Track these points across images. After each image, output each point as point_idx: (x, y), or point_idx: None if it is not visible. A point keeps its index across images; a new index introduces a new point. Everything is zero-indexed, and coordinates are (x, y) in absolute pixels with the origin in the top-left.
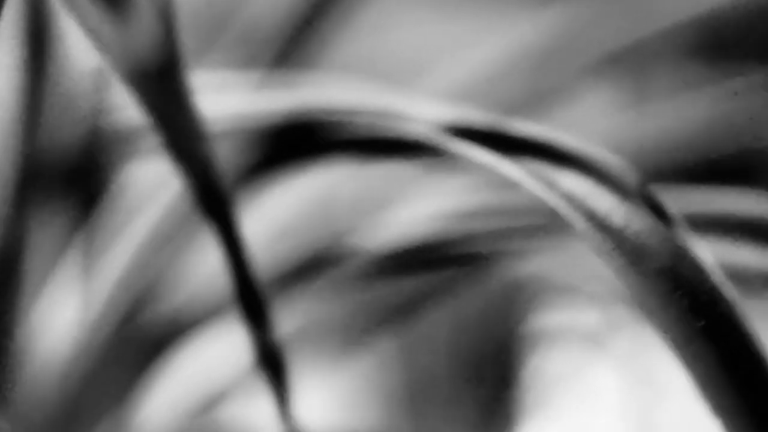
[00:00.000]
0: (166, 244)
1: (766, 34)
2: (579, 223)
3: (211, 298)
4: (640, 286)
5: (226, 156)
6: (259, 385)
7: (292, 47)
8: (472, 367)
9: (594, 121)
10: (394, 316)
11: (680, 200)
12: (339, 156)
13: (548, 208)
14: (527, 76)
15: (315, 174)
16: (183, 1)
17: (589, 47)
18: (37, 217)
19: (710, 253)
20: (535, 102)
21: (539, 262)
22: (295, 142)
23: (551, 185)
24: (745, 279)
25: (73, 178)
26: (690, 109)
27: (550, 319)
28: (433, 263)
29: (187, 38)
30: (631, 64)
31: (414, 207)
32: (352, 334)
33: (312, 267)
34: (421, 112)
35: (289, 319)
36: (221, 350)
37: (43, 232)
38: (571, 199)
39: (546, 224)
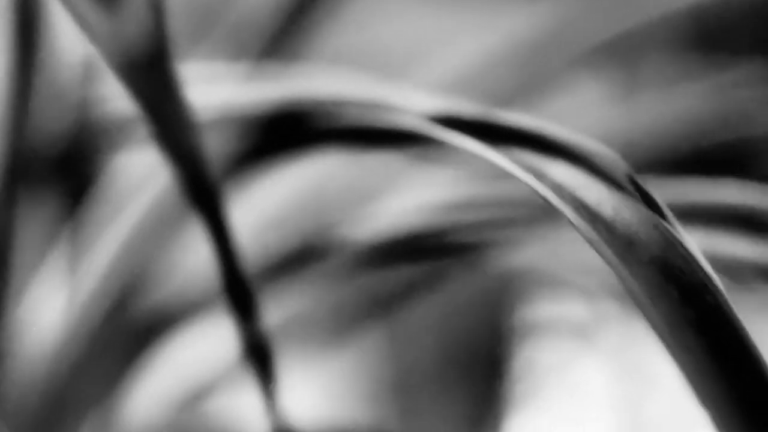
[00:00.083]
0: (154, 235)
1: (756, 25)
2: (569, 213)
3: (200, 290)
4: (629, 276)
5: (215, 146)
6: (247, 377)
7: (281, 39)
8: (461, 360)
9: (585, 113)
10: (383, 307)
11: (670, 191)
12: (328, 146)
13: (538, 198)
14: (518, 67)
15: (304, 165)
16: None
17: (579, 39)
18: (25, 208)
19: (699, 244)
20: (526, 94)
21: (529, 254)
22: (284, 132)
23: (541, 175)
24: (734, 270)
25: (62, 169)
26: (680, 101)
27: (540, 311)
28: (421, 254)
29: (178, 30)
30: (622, 55)
31: (403, 198)
32: (340, 326)
33: (300, 258)
34: (410, 103)
35: (277, 310)
36: (209, 342)
37: (31, 223)
38: (560, 190)
39: (535, 215)
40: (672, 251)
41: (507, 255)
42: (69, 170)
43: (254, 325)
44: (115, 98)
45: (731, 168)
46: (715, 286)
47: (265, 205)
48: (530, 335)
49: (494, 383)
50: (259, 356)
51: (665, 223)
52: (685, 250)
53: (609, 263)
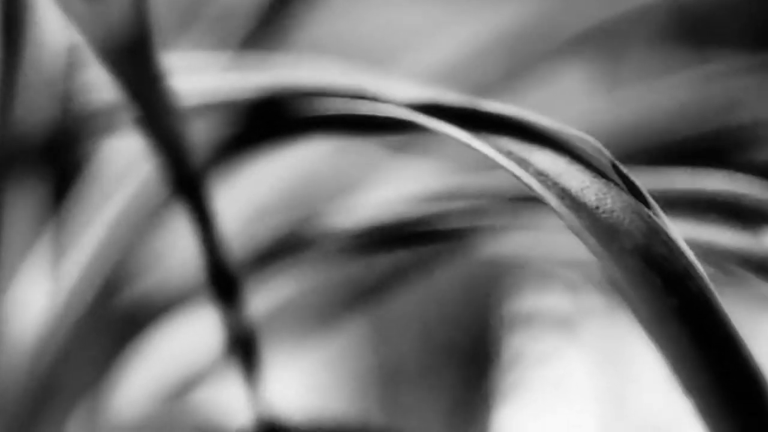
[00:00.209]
0: (139, 223)
1: (738, 16)
2: (552, 201)
3: (186, 280)
4: (612, 264)
5: (199, 134)
6: (232, 368)
7: (265, 28)
8: (445, 350)
9: (569, 103)
10: (367, 296)
11: (653, 180)
12: (312, 134)
13: (521, 189)
14: (503, 57)
15: (287, 155)
16: None
17: (563, 29)
18: (10, 197)
19: (683, 233)
20: (510, 83)
21: (513, 246)
22: (268, 120)
23: (524, 163)
24: (718, 259)
25: (47, 157)
26: (663, 92)
27: (525, 303)
28: (405, 241)
29: (162, 20)
30: (605, 46)
31: (386, 188)
32: (325, 315)
33: (284, 247)
34: (394, 91)
35: (261, 300)
36: (195, 332)
37: (17, 211)
38: (544, 177)
39: (518, 205)
40: (655, 239)
41: (491, 244)
42: (54, 158)
43: (238, 315)
44: (100, 86)
45: (714, 158)
46: (698, 274)
47: (250, 195)
48: (515, 326)
49: (478, 374)
50: (243, 347)
51: (649, 211)
52: (669, 238)
53: (592, 251)
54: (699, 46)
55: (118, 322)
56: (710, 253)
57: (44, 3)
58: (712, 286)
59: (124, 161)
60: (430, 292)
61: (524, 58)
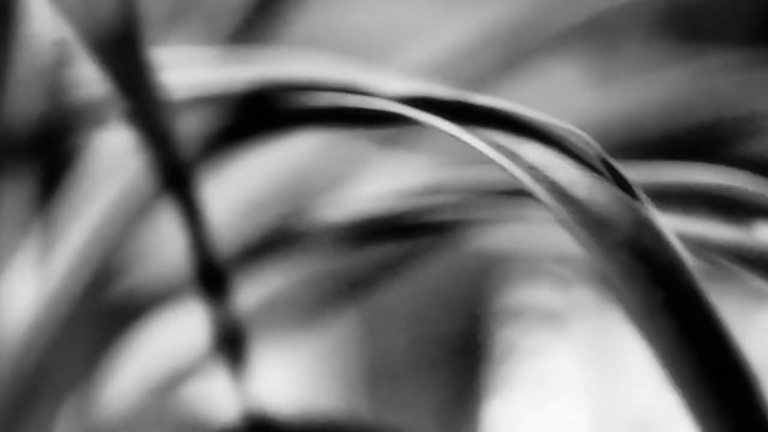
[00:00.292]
0: (128, 217)
1: (731, 12)
2: (542, 194)
3: (176, 274)
4: (602, 257)
5: (187, 128)
6: (219, 362)
7: (256, 23)
8: (435, 344)
9: (561, 97)
10: (356, 290)
11: (644, 174)
12: (302, 127)
13: (510, 183)
14: (495, 51)
15: (276, 149)
16: None
17: (556, 22)
18: None
19: (673, 226)
20: (503, 78)
21: (504, 240)
22: (257, 113)
23: (514, 156)
24: (708, 252)
25: (36, 151)
26: (656, 87)
27: (515, 297)
28: (394, 234)
29: (152, 13)
30: (599, 41)
31: (375, 183)
32: (314, 309)
33: (274, 240)
34: (384, 85)
35: (250, 294)
36: (185, 327)
37: (6, 205)
38: (533, 171)
39: (508, 200)
40: (644, 232)
41: (480, 238)
42: (43, 152)
43: (226, 310)
44: (90, 80)
45: (706, 152)
46: (687, 268)
47: (239, 189)
48: (506, 321)
49: (469, 368)
50: (230, 342)
51: (638, 205)
52: (658, 231)
53: (582, 244)
54: (692, 41)
55: (106, 316)
56: (701, 247)
57: None
58: (701, 279)
59: (114, 155)
60: (421, 286)
61: (517, 51)
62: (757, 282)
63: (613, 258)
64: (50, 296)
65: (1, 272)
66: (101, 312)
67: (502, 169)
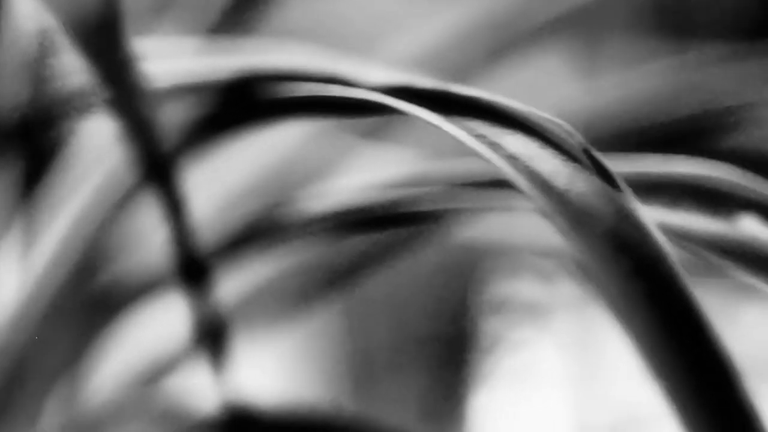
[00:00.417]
0: (112, 208)
1: (717, 7)
2: (523, 184)
3: (161, 265)
4: (582, 248)
5: (172, 118)
6: (201, 355)
7: (240, 13)
8: (419, 337)
9: (546, 89)
10: (340, 281)
11: (627, 166)
12: (284, 116)
13: (492, 175)
14: (480, 43)
15: (261, 140)
16: None
17: (540, 14)
18: None
19: (655, 218)
20: (488, 69)
21: (488, 232)
22: (241, 103)
23: (495, 146)
24: (691, 244)
25: (20, 141)
26: (640, 79)
27: (499, 290)
28: (378, 224)
29: (135, 4)
30: (584, 34)
31: (357, 175)
32: (297, 301)
33: (257, 232)
34: (366, 75)
35: (232, 285)
36: (169, 318)
37: None
38: (515, 161)
39: (491, 188)
40: (626, 223)
41: (464, 230)
42: (27, 142)
43: (207, 302)
44: (74, 70)
45: (690, 144)
46: (668, 259)
47: (222, 180)
48: (490, 314)
49: (453, 361)
50: (211, 334)
51: (620, 196)
52: (639, 222)
53: (563, 235)
54: (675, 34)
55: (90, 307)
56: (683, 239)
57: None
58: (682, 271)
59: (98, 145)
60: (404, 278)
61: (501, 43)
62: (739, 274)
63: (594, 249)
64: (33, 286)
65: None
66: (85, 303)
67: (484, 159)
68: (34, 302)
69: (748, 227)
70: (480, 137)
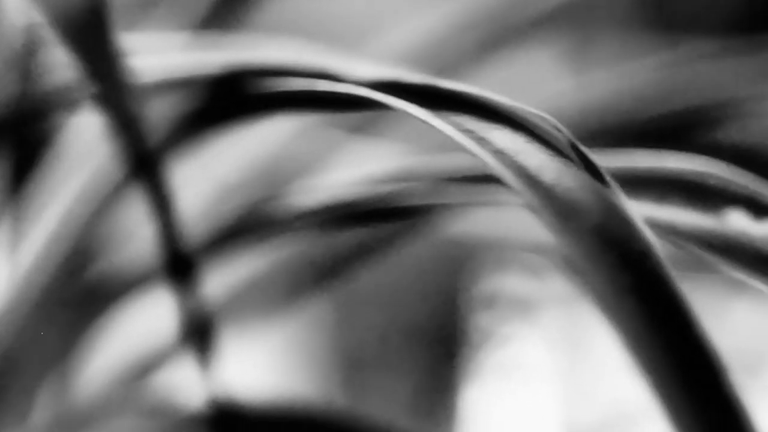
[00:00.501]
0: (100, 202)
1: (707, 3)
2: (510, 179)
3: (150, 259)
4: (569, 242)
5: (161, 113)
6: (188, 350)
7: (229, 8)
8: (409, 332)
9: (536, 84)
10: (329, 276)
11: (615, 160)
12: (272, 111)
13: (480, 168)
14: (471, 38)
15: (250, 135)
16: None
17: (531, 9)
18: None
19: (644, 213)
20: (478, 64)
21: (478, 228)
22: (229, 98)
23: (482, 141)
24: (679, 239)
25: (8, 136)
26: (630, 75)
27: (489, 285)
28: (366, 219)
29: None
30: (574, 29)
31: (348, 168)
32: (287, 295)
33: (246, 226)
34: (354, 70)
35: (222, 280)
36: (158, 313)
37: None
38: (502, 155)
39: (478, 183)
40: (612, 218)
41: (455, 226)
42: (15, 137)
43: (193, 298)
44: (61, 65)
45: (679, 139)
46: (655, 254)
47: (211, 175)
48: (480, 308)
49: (443, 356)
50: (198, 330)
51: (607, 191)
52: (626, 217)
53: (550, 230)
54: (666, 29)
55: (78, 301)
56: (671, 234)
57: None
58: (669, 265)
59: (86, 140)
60: (394, 274)
61: (492, 38)
62: (727, 269)
63: (581, 244)
64: (22, 281)
65: None
66: (73, 298)
67: (471, 153)
68: (23, 297)
69: (736, 222)
70: (467, 132)
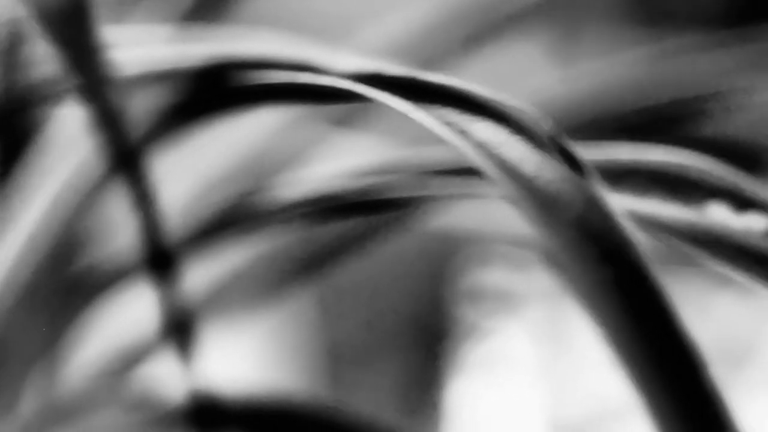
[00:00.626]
0: (85, 195)
1: None
2: (491, 171)
3: (132, 254)
4: (549, 235)
5: (143, 106)
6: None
7: (213, 1)
8: (394, 325)
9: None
10: (313, 268)
11: (597, 152)
12: (254, 103)
13: (462, 160)
14: (457, 30)
15: (233, 129)
16: None
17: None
18: None
19: (626, 205)
20: (464, 57)
21: (462, 221)
22: (211, 90)
23: (463, 133)
24: (660, 232)
25: None
26: (616, 68)
27: (475, 278)
28: (350, 211)
29: None
30: (560, 21)
31: (331, 162)
32: (269, 288)
33: (229, 219)
34: (337, 62)
35: (206, 273)
36: (142, 307)
37: None
38: (483, 148)
39: (460, 176)
40: (593, 211)
41: (439, 220)
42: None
43: (174, 292)
44: (45, 58)
45: (663, 132)
46: (635, 247)
47: (195, 168)
48: (465, 302)
49: (425, 349)
50: (178, 325)
51: (588, 183)
52: (607, 209)
53: (530, 222)
54: (652, 23)
55: (62, 295)
56: (652, 226)
57: None
58: (649, 258)
59: (70, 133)
60: (378, 267)
61: (479, 30)
62: (709, 262)
63: (561, 236)
64: (6, 274)
65: None
66: (57, 291)
67: (452, 145)
68: (7, 290)
69: (718, 215)
70: (448, 124)
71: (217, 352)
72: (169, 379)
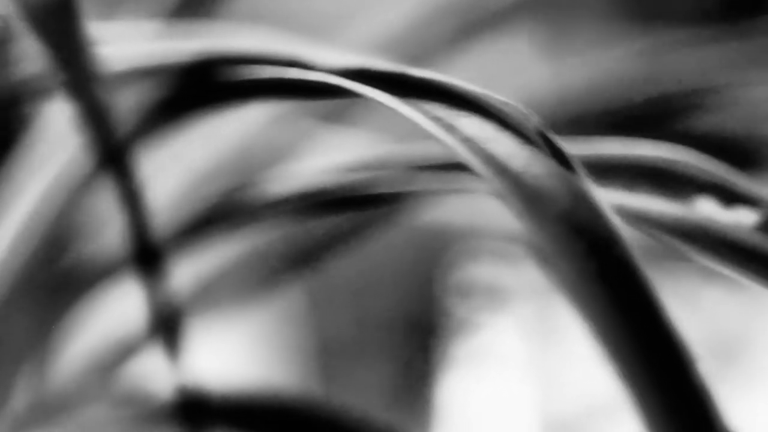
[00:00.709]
0: (73, 191)
1: None
2: (478, 166)
3: (120, 250)
4: (536, 230)
5: (132, 102)
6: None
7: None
8: (385, 320)
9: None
10: (301, 264)
11: (585, 147)
12: (242, 99)
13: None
14: (447, 25)
15: (222, 123)
16: None
17: None
18: None
19: (614, 200)
20: (454, 53)
21: (452, 216)
22: (199, 86)
23: (450, 129)
24: (648, 226)
25: None
26: (606, 63)
27: (465, 274)
28: (339, 206)
29: None
30: (550, 16)
31: (320, 157)
32: (259, 284)
33: (218, 215)
34: (325, 58)
35: (195, 269)
36: (131, 303)
37: None
38: (470, 143)
39: (449, 171)
40: (580, 205)
41: (429, 215)
42: None
43: (161, 289)
44: (33, 55)
45: (652, 127)
46: (622, 241)
47: (183, 164)
48: (455, 297)
49: (415, 344)
50: (165, 320)
51: (575, 178)
52: (594, 204)
53: (518, 217)
54: (642, 18)
55: (51, 291)
56: (640, 221)
57: None
58: (636, 253)
59: (58, 130)
60: (368, 263)
61: (469, 25)
62: (697, 257)
63: (548, 231)
64: None
65: None
66: (46, 287)
67: (440, 141)
68: None
69: (706, 210)
70: (436, 120)
71: (207, 348)
72: (157, 374)
